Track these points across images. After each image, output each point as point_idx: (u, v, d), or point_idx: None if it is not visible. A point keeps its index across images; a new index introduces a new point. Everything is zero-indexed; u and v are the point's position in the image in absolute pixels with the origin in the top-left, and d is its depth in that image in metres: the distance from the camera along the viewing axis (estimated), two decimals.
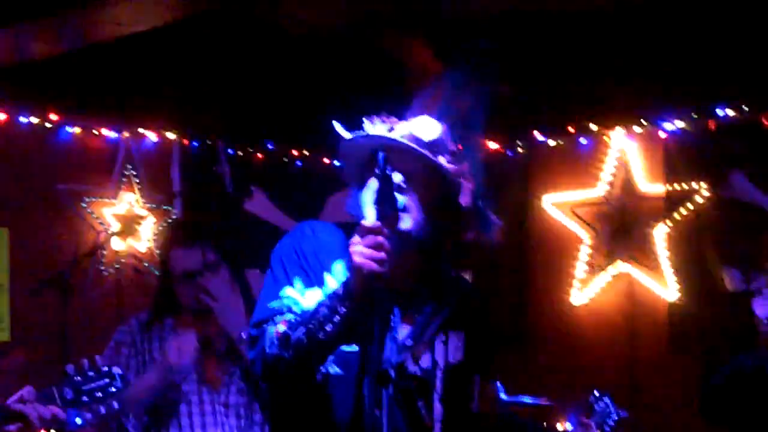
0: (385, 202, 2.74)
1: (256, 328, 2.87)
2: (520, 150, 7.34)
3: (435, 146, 2.92)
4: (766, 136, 6.25)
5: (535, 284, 7.27)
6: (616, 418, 4.66)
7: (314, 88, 6.36)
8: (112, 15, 5.42)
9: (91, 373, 3.47)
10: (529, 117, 7.12)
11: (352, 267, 2.67)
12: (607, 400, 4.72)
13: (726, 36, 5.84)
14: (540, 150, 7.27)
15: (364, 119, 2.96)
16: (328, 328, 2.69)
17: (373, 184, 2.82)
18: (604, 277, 6.89)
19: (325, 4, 5.52)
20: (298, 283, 2.92)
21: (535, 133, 7.19)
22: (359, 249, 2.65)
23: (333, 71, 6.20)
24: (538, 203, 7.19)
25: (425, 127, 2.95)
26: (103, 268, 6.47)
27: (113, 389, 3.48)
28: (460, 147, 2.97)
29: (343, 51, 6.04)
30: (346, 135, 2.93)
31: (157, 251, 6.42)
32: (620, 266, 6.83)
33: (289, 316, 2.80)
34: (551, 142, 7.18)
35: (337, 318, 2.68)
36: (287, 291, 2.89)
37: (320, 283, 2.92)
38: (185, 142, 6.95)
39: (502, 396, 5.29)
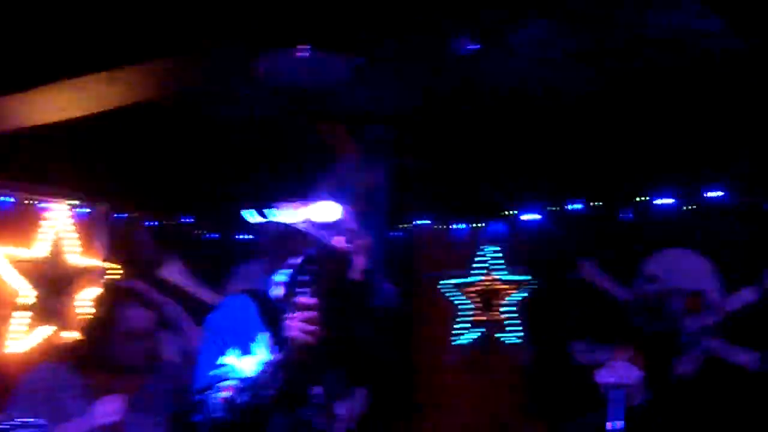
0: (294, 281, 2.87)
1: (199, 394, 2.91)
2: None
3: (333, 228, 3.03)
4: (612, 228, 6.44)
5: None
6: None
7: (235, 171, 6.37)
8: (54, 100, 5.26)
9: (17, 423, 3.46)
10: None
11: (289, 339, 2.78)
12: None
13: (581, 143, 5.96)
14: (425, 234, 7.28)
15: (273, 205, 3.08)
16: (271, 392, 2.79)
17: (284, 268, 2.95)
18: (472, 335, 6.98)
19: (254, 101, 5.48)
20: (234, 351, 2.95)
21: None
22: (295, 323, 2.77)
23: (252, 155, 6.19)
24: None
25: (325, 211, 3.06)
26: None
27: None
28: (355, 227, 3.09)
29: (268, 136, 5.99)
30: (256, 220, 3.11)
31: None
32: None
33: (233, 382, 2.86)
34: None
35: (276, 383, 2.79)
36: (225, 359, 2.93)
37: (251, 351, 2.96)
38: (113, 213, 6.92)
39: None
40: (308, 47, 4.40)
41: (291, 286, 2.89)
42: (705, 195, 6.12)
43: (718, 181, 5.98)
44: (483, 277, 7.01)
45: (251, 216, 3.12)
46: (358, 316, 3.13)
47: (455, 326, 7.02)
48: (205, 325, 3.10)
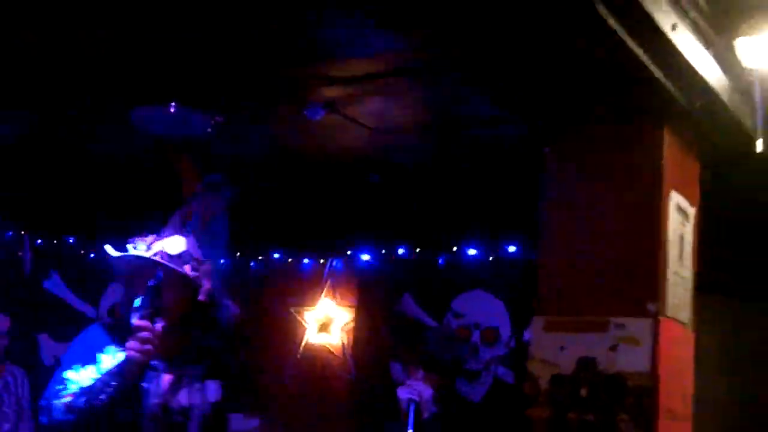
0: (146, 305, 2.95)
1: (45, 401, 2.99)
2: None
3: (181, 258, 3.11)
4: (430, 271, 6.62)
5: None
6: None
7: (104, 199, 6.35)
8: None
9: None
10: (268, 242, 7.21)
11: (126, 356, 2.91)
12: None
13: (409, 200, 6.15)
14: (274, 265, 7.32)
15: (130, 240, 3.15)
16: (103, 396, 2.89)
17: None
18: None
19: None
20: (76, 367, 3.03)
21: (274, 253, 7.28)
22: (131, 344, 2.90)
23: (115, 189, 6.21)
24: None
25: (174, 244, 3.13)
26: None
27: None
28: (199, 256, 3.18)
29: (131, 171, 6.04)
30: (115, 253, 3.10)
31: None
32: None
33: (72, 389, 2.95)
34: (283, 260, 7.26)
35: (109, 389, 2.89)
36: (68, 374, 3.01)
37: (95, 364, 3.03)
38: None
39: None
40: (175, 104, 4.51)
41: (140, 310, 2.96)
42: (504, 249, 6.35)
43: (514, 238, 6.21)
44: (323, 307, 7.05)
45: (110, 249, 3.14)
46: (205, 328, 3.24)
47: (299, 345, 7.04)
48: (67, 349, 3.20)
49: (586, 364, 3.67)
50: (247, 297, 7.05)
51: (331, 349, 6.94)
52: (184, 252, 3.15)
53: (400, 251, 6.73)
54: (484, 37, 3.19)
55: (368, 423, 6.11)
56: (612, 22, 2.95)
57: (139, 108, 4.63)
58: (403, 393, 4.41)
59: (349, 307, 6.93)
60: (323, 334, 6.96)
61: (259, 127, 5.31)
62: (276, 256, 7.23)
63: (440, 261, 6.59)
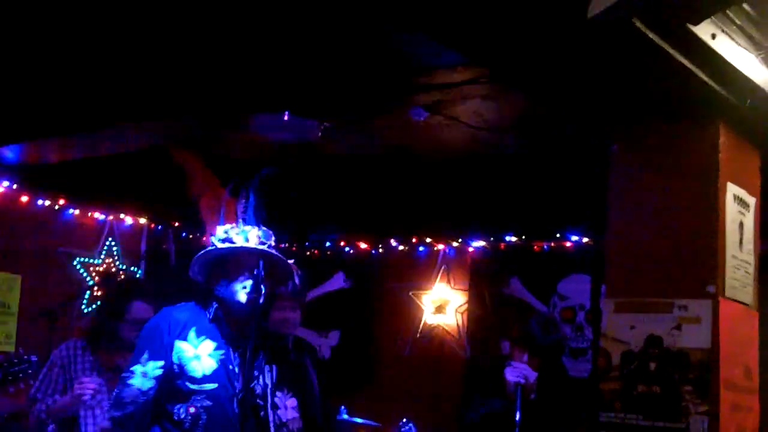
0: (255, 291, 3.14)
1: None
2: (380, 251, 8.01)
3: (273, 247, 3.29)
4: (533, 257, 7.06)
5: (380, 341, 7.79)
6: None
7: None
8: (115, 136, 5.78)
9: (15, 360, 3.69)
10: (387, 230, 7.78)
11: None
12: (411, 425, 5.14)
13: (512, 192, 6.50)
14: (393, 252, 7.90)
15: (221, 230, 3.27)
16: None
17: (247, 281, 3.17)
18: (428, 338, 7.51)
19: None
20: (145, 358, 3.19)
21: (392, 241, 7.87)
22: None
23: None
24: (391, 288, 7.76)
25: (264, 234, 3.28)
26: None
27: (29, 371, 3.70)
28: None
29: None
30: (222, 245, 3.24)
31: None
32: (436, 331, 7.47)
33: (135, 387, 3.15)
34: (401, 248, 7.85)
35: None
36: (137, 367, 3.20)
37: (166, 354, 3.18)
38: (152, 225, 7.54)
39: (344, 416, 5.53)
40: (288, 112, 5.07)
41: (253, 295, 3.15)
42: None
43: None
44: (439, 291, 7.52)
45: (218, 242, 3.27)
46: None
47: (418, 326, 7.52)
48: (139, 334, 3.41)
49: (653, 341, 4.05)
50: (372, 283, 7.72)
51: (447, 329, 7.42)
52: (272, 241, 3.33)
53: (508, 238, 7.15)
54: (542, 59, 3.62)
55: (478, 399, 6.50)
56: (656, 38, 3.33)
57: (258, 116, 5.19)
58: (510, 375, 4.51)
59: (463, 290, 7.38)
60: (439, 315, 7.44)
61: (368, 128, 5.80)
62: (394, 244, 7.73)
63: (545, 247, 6.97)
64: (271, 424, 3.23)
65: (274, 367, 3.35)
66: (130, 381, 3.18)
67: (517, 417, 4.36)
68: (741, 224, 4.14)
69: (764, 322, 4.44)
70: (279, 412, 3.32)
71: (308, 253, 7.98)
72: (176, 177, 6.48)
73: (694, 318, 3.95)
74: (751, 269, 4.22)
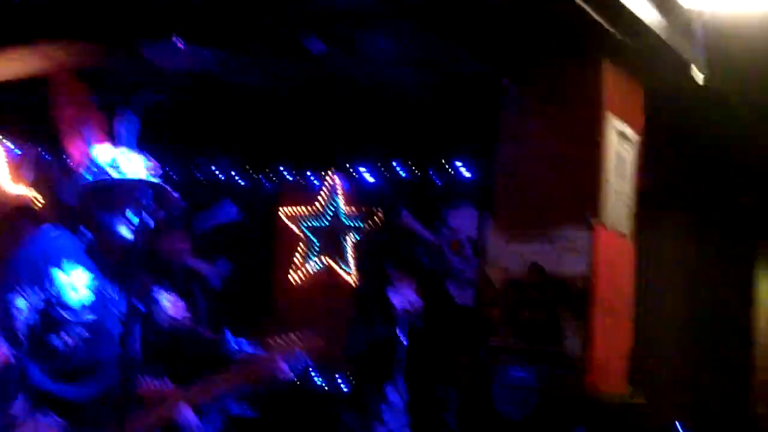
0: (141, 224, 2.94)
1: None
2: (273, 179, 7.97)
3: (161, 176, 3.10)
4: (423, 188, 7.12)
5: (272, 269, 7.79)
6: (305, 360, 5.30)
7: None
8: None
9: None
10: (279, 161, 7.77)
11: None
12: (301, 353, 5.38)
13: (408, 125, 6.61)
14: (285, 181, 7.88)
15: (105, 155, 3.06)
16: None
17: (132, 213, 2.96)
18: (316, 267, 7.57)
19: None
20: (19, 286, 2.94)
21: (283, 170, 7.83)
22: None
23: None
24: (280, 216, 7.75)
25: (148, 163, 3.10)
26: None
27: None
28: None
29: None
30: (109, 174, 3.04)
31: None
32: (326, 260, 7.54)
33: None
34: (292, 177, 7.80)
35: None
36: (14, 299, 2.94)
37: (41, 283, 2.94)
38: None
39: (233, 345, 5.89)
40: (182, 40, 4.98)
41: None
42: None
43: None
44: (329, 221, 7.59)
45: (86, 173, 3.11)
46: None
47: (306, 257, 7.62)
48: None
49: (536, 269, 4.26)
50: (263, 212, 7.72)
51: (338, 258, 7.51)
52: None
53: (399, 169, 7.24)
54: None
55: (363, 329, 6.51)
56: None
57: (151, 42, 5.08)
58: (396, 301, 4.65)
59: (354, 219, 7.48)
60: (330, 244, 7.52)
61: (262, 61, 5.75)
62: (286, 173, 7.77)
63: (435, 178, 7.08)
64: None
65: (162, 297, 3.26)
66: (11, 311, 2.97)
67: (404, 343, 4.50)
68: (623, 159, 4.34)
69: (640, 252, 4.70)
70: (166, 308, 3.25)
71: (199, 182, 7.91)
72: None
73: (574, 247, 4.17)
74: (630, 202, 4.45)
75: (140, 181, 3.05)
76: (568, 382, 4.13)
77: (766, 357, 6.10)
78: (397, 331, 4.59)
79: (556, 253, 4.18)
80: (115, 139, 3.12)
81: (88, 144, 3.19)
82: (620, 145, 4.31)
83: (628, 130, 4.38)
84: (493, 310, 4.29)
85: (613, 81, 4.19)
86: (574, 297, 4.13)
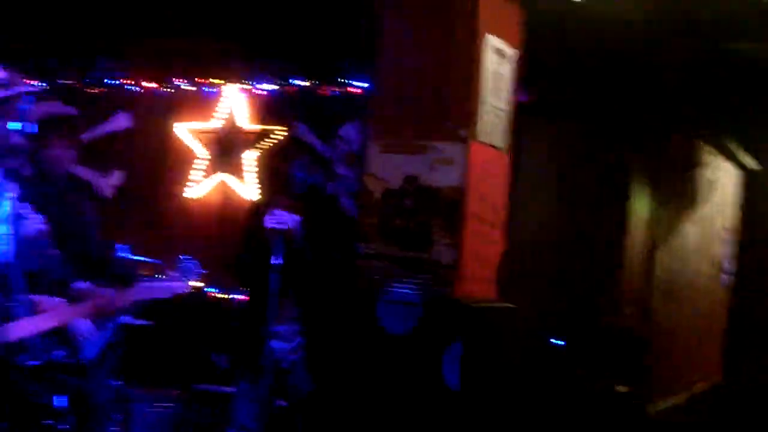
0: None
1: None
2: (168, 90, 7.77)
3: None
4: (318, 101, 7.19)
5: (165, 183, 7.69)
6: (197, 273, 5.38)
7: None
8: None
9: None
10: (172, 68, 7.62)
11: None
12: (191, 263, 5.27)
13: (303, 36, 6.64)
14: (179, 92, 7.73)
15: None
16: None
17: None
18: (210, 182, 7.53)
19: None
20: None
21: (177, 80, 7.68)
22: None
23: None
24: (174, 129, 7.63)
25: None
26: None
27: None
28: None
29: None
30: None
31: None
32: (221, 176, 7.50)
33: None
34: (187, 87, 7.68)
35: None
36: None
37: None
38: None
39: (125, 254, 5.76)
40: None
41: None
42: None
43: None
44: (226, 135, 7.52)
45: None
46: None
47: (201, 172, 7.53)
48: None
49: (411, 180, 4.43)
50: (156, 123, 7.68)
51: (231, 174, 7.54)
52: None
53: (295, 82, 7.26)
54: None
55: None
56: None
57: None
58: (269, 222, 4.53)
59: (249, 133, 7.46)
60: (225, 157, 7.53)
61: None
62: (180, 84, 7.69)
63: (329, 92, 7.14)
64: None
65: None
66: None
67: (278, 261, 4.45)
68: (499, 74, 4.51)
69: (519, 162, 4.91)
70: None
71: (88, 90, 7.80)
72: None
73: (447, 159, 4.35)
74: (505, 116, 4.63)
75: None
76: (441, 290, 4.33)
77: (634, 266, 6.45)
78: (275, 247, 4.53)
79: (430, 164, 4.35)
80: None
81: None
82: (496, 61, 4.46)
83: (506, 47, 4.53)
84: (368, 218, 4.46)
85: None
86: (446, 206, 4.31)
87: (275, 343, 4.57)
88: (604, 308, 6.40)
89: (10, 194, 3.24)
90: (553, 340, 6.12)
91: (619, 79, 5.79)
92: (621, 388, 6.71)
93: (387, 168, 4.46)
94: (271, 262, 4.36)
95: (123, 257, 5.83)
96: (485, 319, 4.40)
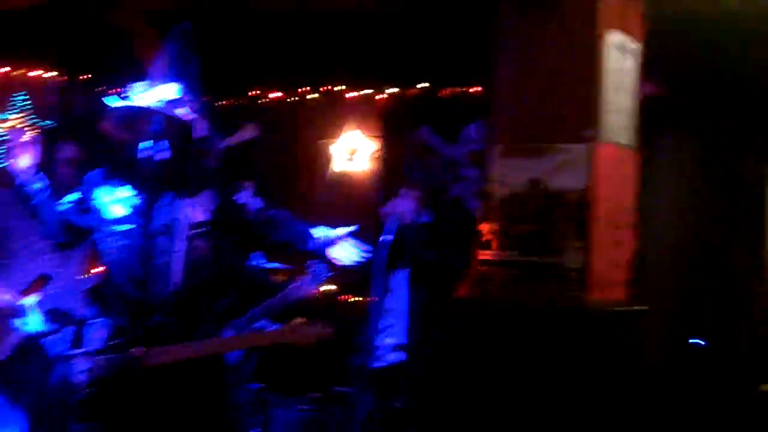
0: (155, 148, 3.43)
1: None
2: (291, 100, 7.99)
3: (180, 104, 3.53)
4: (441, 103, 7.19)
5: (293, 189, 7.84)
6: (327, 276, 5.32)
7: None
8: None
9: None
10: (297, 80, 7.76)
11: None
12: (321, 266, 5.26)
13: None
14: (303, 101, 7.87)
15: (127, 85, 3.48)
16: None
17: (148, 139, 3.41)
18: (338, 186, 7.61)
19: None
20: None
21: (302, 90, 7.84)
22: None
23: None
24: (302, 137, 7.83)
25: (169, 90, 3.51)
26: None
27: None
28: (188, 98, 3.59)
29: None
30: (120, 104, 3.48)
31: None
32: (348, 180, 7.58)
33: None
34: (311, 96, 7.82)
35: None
36: None
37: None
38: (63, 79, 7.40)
39: (259, 261, 5.79)
40: None
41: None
42: None
43: None
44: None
45: (113, 101, 3.47)
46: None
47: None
48: None
49: (535, 183, 4.30)
50: (282, 133, 7.82)
51: (358, 176, 7.59)
52: (179, 97, 3.55)
53: (417, 85, 7.27)
54: None
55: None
56: None
57: None
58: (386, 209, 4.81)
59: (373, 138, 7.54)
60: (350, 163, 7.61)
61: None
62: (305, 93, 7.80)
63: (452, 94, 7.13)
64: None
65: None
66: None
67: (387, 239, 4.59)
68: (623, 71, 4.33)
69: (647, 161, 4.71)
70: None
71: (218, 103, 7.98)
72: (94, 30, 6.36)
73: (572, 160, 4.20)
74: (631, 113, 4.44)
75: (156, 109, 3.45)
76: (569, 295, 4.20)
77: None
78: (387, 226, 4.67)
79: (554, 167, 4.22)
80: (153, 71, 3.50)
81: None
82: (620, 57, 4.29)
83: (628, 41, 4.35)
84: (489, 224, 4.37)
85: None
86: (573, 210, 4.18)
87: (383, 341, 4.68)
88: (748, 306, 6.09)
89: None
90: (694, 341, 5.89)
91: (756, 76, 5.48)
92: (766, 387, 6.41)
93: (509, 172, 4.35)
94: (380, 239, 4.49)
95: (257, 265, 5.91)
96: (619, 323, 4.23)
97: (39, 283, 4.64)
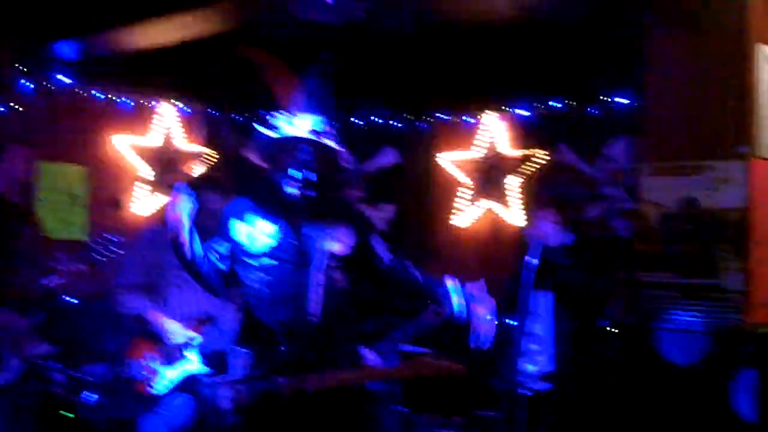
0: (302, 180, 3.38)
1: None
2: (427, 123, 8.02)
3: (324, 134, 3.48)
4: (579, 121, 7.05)
5: (433, 213, 7.89)
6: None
7: None
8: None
9: (100, 242, 4.15)
10: (432, 102, 7.80)
11: None
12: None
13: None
14: (440, 123, 7.93)
15: (271, 116, 3.45)
16: None
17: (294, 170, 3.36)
18: (476, 210, 7.60)
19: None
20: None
21: (438, 113, 7.88)
22: None
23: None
24: (437, 159, 7.81)
25: (315, 121, 3.46)
26: None
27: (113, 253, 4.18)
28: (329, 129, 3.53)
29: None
30: (273, 134, 3.44)
31: None
32: (486, 203, 7.53)
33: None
34: (447, 118, 7.85)
35: None
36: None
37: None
38: (208, 112, 7.69)
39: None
40: None
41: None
42: None
43: None
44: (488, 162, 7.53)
45: (261, 128, 3.43)
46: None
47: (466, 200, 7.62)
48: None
49: (690, 202, 4.19)
50: (420, 155, 7.85)
51: (496, 200, 7.52)
52: (323, 127, 3.50)
53: (554, 104, 7.14)
54: None
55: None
56: None
57: None
58: (529, 230, 4.73)
59: (511, 159, 7.44)
60: (488, 184, 7.54)
61: (409, 3, 5.80)
62: (441, 115, 7.83)
63: (591, 111, 6.94)
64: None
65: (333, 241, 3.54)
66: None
67: (533, 261, 4.40)
68: None
69: None
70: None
71: (356, 129, 8.08)
72: (234, 66, 6.50)
73: (729, 178, 4.08)
74: None
75: (301, 138, 3.41)
76: (729, 318, 4.07)
77: None
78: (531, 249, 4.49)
79: (710, 185, 4.11)
80: (293, 101, 3.45)
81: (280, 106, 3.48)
82: None
83: None
84: (645, 245, 4.27)
85: (758, 5, 4.03)
86: (730, 229, 4.05)
87: (526, 366, 4.56)
88: None
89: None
90: None
91: None
92: None
93: (662, 191, 4.25)
94: (525, 260, 4.33)
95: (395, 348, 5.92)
96: None
97: (203, 321, 4.76)
